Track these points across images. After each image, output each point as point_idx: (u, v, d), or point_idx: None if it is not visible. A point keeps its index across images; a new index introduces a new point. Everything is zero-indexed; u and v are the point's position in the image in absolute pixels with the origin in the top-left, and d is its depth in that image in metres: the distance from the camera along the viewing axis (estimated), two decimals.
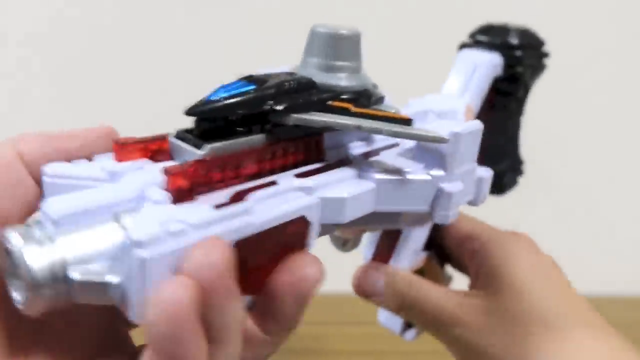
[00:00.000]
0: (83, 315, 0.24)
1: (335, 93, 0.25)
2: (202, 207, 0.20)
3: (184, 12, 0.64)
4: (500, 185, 0.44)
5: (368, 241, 0.40)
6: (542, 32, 0.41)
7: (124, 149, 0.22)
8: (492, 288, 0.32)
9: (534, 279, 0.31)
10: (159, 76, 0.64)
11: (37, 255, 0.18)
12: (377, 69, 0.30)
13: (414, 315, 0.33)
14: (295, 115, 0.24)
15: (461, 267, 0.39)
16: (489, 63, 0.38)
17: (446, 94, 0.38)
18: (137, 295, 0.18)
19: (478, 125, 0.27)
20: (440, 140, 0.24)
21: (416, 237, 0.38)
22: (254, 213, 0.21)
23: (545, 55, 0.41)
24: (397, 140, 0.29)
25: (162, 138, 0.23)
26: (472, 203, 0.29)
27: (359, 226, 0.27)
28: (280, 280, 0.21)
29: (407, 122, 0.25)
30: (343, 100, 0.25)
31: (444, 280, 0.43)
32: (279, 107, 0.23)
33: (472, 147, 0.27)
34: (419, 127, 0.25)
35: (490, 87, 0.40)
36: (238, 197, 0.21)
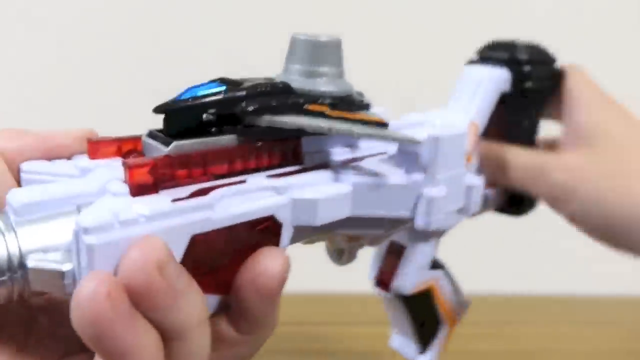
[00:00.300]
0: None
1: (313, 97, 0.25)
2: (160, 200, 0.20)
3: (183, 17, 0.65)
4: (519, 207, 0.42)
5: (373, 260, 0.39)
6: (546, 42, 0.40)
7: (97, 147, 0.23)
8: (589, 147, 0.36)
9: (631, 138, 0.37)
10: (152, 78, 0.64)
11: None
12: (382, 85, 0.30)
13: (509, 172, 0.37)
14: (268, 117, 0.24)
15: None
16: (495, 78, 0.38)
17: (450, 109, 0.38)
18: None
19: (460, 130, 0.26)
20: (412, 141, 0.23)
21: (421, 253, 0.37)
22: (215, 208, 0.20)
23: (557, 71, 0.40)
24: (384, 149, 0.28)
25: (137, 138, 0.24)
26: (464, 212, 0.28)
27: (342, 230, 0.26)
28: (241, 277, 0.21)
29: (381, 125, 0.24)
30: (319, 104, 0.25)
31: (460, 305, 0.42)
32: (250, 108, 0.23)
33: (456, 153, 0.26)
34: (393, 130, 0.24)
35: (501, 105, 0.39)
36: (200, 193, 0.21)
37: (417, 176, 0.25)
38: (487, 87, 0.37)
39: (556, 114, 0.40)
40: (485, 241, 0.64)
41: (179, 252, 0.20)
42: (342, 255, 0.33)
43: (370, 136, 0.23)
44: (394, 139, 0.23)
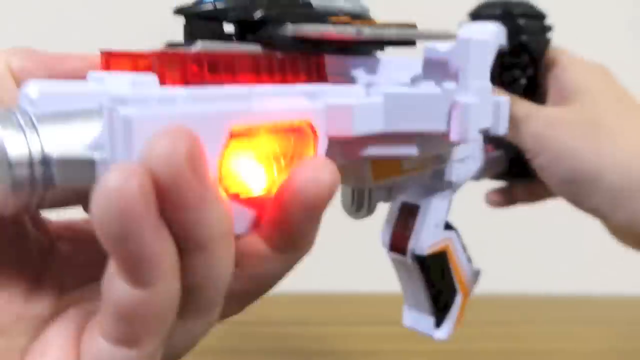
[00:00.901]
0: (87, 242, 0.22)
1: (335, 11, 0.24)
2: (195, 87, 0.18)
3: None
4: (527, 170, 0.41)
5: (384, 226, 0.37)
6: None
7: (111, 58, 0.21)
8: (567, 99, 0.38)
9: (607, 96, 0.38)
10: None
11: (12, 137, 0.16)
12: None
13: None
14: (292, 26, 0.22)
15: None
16: (491, 32, 0.38)
17: None
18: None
19: (488, 36, 0.25)
20: (447, 36, 0.22)
21: (436, 210, 0.35)
22: (253, 101, 0.19)
23: (549, 28, 0.40)
24: (402, 72, 0.27)
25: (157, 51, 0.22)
26: (493, 130, 0.27)
27: (374, 152, 0.24)
28: (285, 186, 0.19)
29: (411, 26, 0.23)
30: (341, 18, 0.24)
31: (472, 273, 0.40)
32: (275, 14, 0.22)
33: (484, 61, 0.25)
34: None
35: (497, 63, 0.39)
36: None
37: (449, 84, 0.24)
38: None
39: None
40: (486, 241, 0.64)
41: (216, 145, 0.18)
42: (361, 207, 0.32)
43: (401, 36, 0.22)
44: (427, 37, 0.22)
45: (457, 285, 0.39)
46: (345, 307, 0.58)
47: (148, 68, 0.21)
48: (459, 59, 0.24)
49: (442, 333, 0.39)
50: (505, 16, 0.39)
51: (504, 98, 0.27)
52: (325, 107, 0.21)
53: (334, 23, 0.23)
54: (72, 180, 0.16)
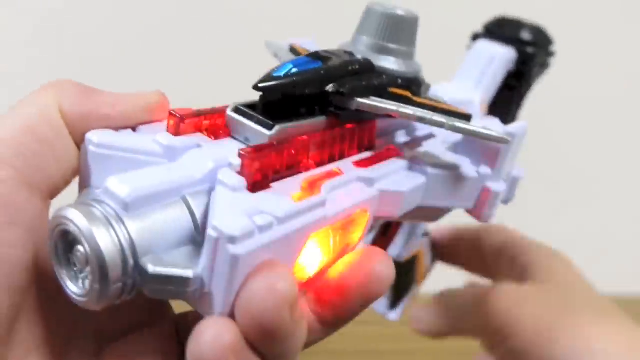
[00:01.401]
0: None
1: (392, 78, 0.24)
2: (282, 198, 0.18)
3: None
4: None
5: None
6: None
7: (182, 122, 0.20)
8: (531, 280, 0.34)
9: (572, 278, 0.34)
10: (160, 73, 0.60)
11: (106, 237, 0.15)
12: None
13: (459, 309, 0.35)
14: (360, 100, 0.22)
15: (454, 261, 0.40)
16: (506, 57, 0.38)
17: (461, 84, 0.38)
18: (221, 294, 0.16)
19: (526, 126, 0.26)
20: (503, 140, 0.23)
21: (419, 227, 0.38)
22: (327, 204, 0.19)
23: (552, 54, 0.41)
24: (434, 131, 0.28)
25: (217, 112, 0.21)
26: (505, 200, 0.29)
27: (400, 219, 0.26)
28: (349, 279, 0.20)
29: (467, 117, 0.24)
30: (400, 86, 0.24)
31: (431, 264, 0.44)
32: (345, 90, 0.22)
33: (518, 147, 0.27)
34: (477, 124, 0.24)
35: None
36: (311, 187, 0.19)
37: (485, 169, 0.25)
38: (498, 65, 0.38)
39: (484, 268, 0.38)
40: None
41: (296, 254, 0.19)
42: None
43: (459, 130, 0.23)
44: (484, 137, 0.23)
45: (417, 278, 0.43)
46: None
47: (216, 130, 0.21)
48: (503, 149, 0.25)
49: (395, 315, 0.44)
50: (516, 41, 0.39)
51: (520, 172, 0.29)
52: (378, 193, 0.22)
53: (395, 96, 0.23)
54: (162, 293, 0.16)
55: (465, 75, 0.38)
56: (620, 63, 0.70)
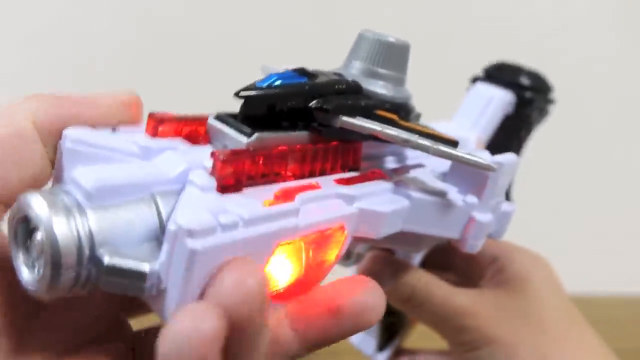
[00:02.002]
0: (82, 299, 0.21)
1: (380, 101, 0.24)
2: (252, 202, 0.18)
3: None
4: None
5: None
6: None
7: (161, 125, 0.20)
8: (509, 289, 0.33)
9: (550, 290, 0.34)
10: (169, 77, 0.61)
11: (64, 226, 0.15)
12: None
13: (420, 307, 0.32)
14: (344, 118, 0.22)
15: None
16: (502, 100, 0.38)
17: (458, 123, 0.38)
18: (176, 291, 0.16)
19: (514, 158, 0.26)
20: (489, 167, 0.23)
21: (413, 260, 0.37)
22: (299, 215, 0.19)
23: (552, 102, 0.41)
24: (423, 160, 0.28)
25: (199, 119, 0.21)
26: (492, 236, 0.29)
27: (381, 244, 0.25)
28: (341, 309, 0.20)
29: (453, 143, 0.24)
30: (387, 110, 0.24)
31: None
32: (329, 106, 0.22)
33: (507, 179, 0.26)
34: (464, 151, 0.24)
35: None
36: (285, 196, 0.19)
37: (472, 198, 0.25)
38: (496, 107, 0.38)
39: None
40: None
41: (262, 260, 0.18)
42: (350, 256, 0.33)
43: (444, 155, 0.22)
44: (470, 163, 0.23)
45: (410, 319, 0.42)
46: None
47: (195, 137, 0.21)
48: (490, 179, 0.25)
49: (383, 357, 0.42)
50: (515, 85, 0.39)
51: (511, 207, 0.29)
52: (358, 212, 0.21)
53: (381, 118, 0.23)
54: (117, 286, 0.16)
55: (463, 115, 0.38)
56: (620, 66, 0.70)
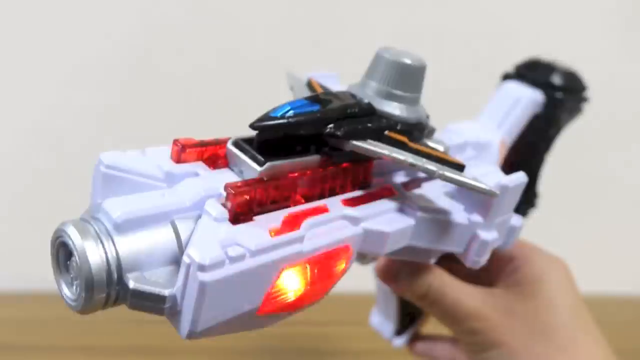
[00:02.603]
0: None
1: (392, 122, 0.25)
2: (259, 232, 0.20)
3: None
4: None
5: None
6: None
7: (184, 152, 0.22)
8: (521, 292, 0.34)
9: (562, 293, 0.34)
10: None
11: (94, 252, 0.18)
12: None
13: (433, 305, 0.34)
14: (354, 142, 0.24)
15: None
16: (531, 100, 0.38)
17: (483, 124, 0.38)
18: (190, 314, 0.18)
19: (523, 178, 0.27)
20: (491, 194, 0.24)
21: None
22: (305, 241, 0.21)
23: (585, 100, 0.41)
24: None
25: (219, 143, 0.23)
26: (501, 247, 0.30)
27: (390, 255, 0.27)
28: None
29: (459, 167, 0.25)
30: (399, 131, 0.25)
31: None
32: (340, 132, 0.23)
33: (514, 199, 0.27)
34: (469, 174, 0.25)
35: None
36: (292, 222, 0.21)
37: (477, 217, 0.26)
38: (524, 107, 0.38)
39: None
40: None
41: (268, 284, 0.20)
42: (366, 256, 0.34)
43: (448, 180, 0.24)
44: (473, 188, 0.24)
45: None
46: (345, 307, 0.57)
47: (215, 159, 0.23)
48: (494, 200, 0.26)
49: (401, 341, 0.44)
50: (546, 85, 0.39)
51: (519, 222, 0.30)
52: (363, 232, 0.23)
53: (391, 140, 0.25)
54: (141, 307, 0.19)
55: (489, 115, 0.39)
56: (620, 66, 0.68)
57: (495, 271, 0.37)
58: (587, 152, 0.71)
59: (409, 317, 0.44)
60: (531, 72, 0.40)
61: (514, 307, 0.34)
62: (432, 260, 0.31)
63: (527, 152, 0.42)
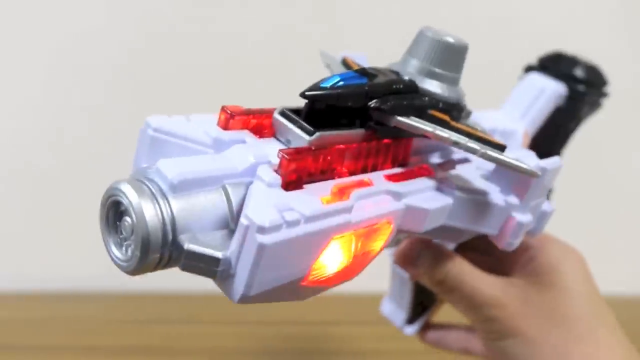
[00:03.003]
0: None
1: (434, 101, 0.25)
2: (312, 199, 0.20)
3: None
4: None
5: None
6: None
7: (232, 119, 0.22)
8: (538, 282, 0.34)
9: (579, 284, 0.34)
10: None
11: (151, 212, 0.17)
12: None
13: (451, 292, 0.34)
14: (399, 118, 0.23)
15: None
16: (555, 92, 0.39)
17: (507, 113, 0.38)
18: (244, 277, 0.18)
19: (559, 162, 0.27)
20: (533, 174, 0.24)
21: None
22: (352, 211, 0.21)
23: (606, 95, 0.41)
24: (469, 156, 0.29)
25: (265, 113, 0.23)
26: (532, 232, 0.30)
27: (423, 235, 0.27)
28: None
29: (501, 147, 0.25)
30: (440, 110, 0.25)
31: None
32: (385, 107, 0.23)
33: (549, 182, 0.27)
34: (511, 155, 0.25)
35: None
36: (341, 193, 0.21)
37: (513, 199, 0.26)
38: (547, 99, 0.38)
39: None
40: None
41: (318, 252, 0.20)
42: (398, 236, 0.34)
43: (491, 159, 0.24)
44: (515, 168, 0.24)
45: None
46: (345, 307, 0.57)
47: (261, 129, 0.23)
48: (533, 182, 0.26)
49: (412, 329, 0.44)
50: (568, 77, 0.39)
51: (550, 208, 0.30)
52: (405, 208, 0.23)
53: (434, 118, 0.25)
54: (194, 269, 0.18)
55: (513, 105, 0.39)
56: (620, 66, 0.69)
57: (511, 261, 0.37)
58: (587, 151, 0.71)
59: (421, 307, 0.45)
60: (555, 64, 0.40)
61: (532, 296, 0.34)
62: (461, 241, 0.31)
63: (547, 145, 0.43)
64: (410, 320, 0.45)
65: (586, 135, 0.68)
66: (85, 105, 0.62)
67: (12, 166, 0.63)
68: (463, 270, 0.34)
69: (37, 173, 0.63)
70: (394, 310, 0.46)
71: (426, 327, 0.45)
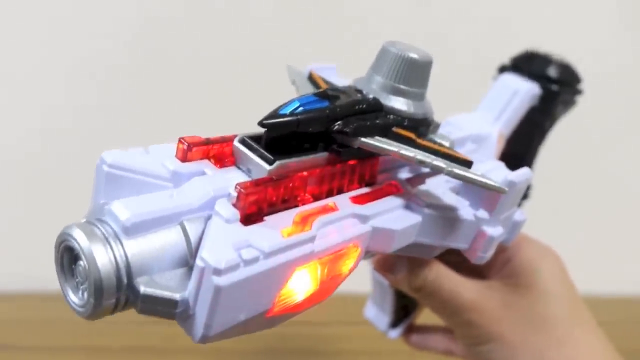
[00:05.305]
0: None
1: (399, 119, 0.25)
2: (272, 233, 0.19)
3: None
4: None
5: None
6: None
7: (190, 151, 0.21)
8: (516, 283, 0.34)
9: (556, 284, 0.34)
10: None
11: (103, 256, 0.17)
12: None
13: (430, 298, 0.34)
14: (362, 139, 0.23)
15: None
16: (528, 93, 0.38)
17: (481, 116, 0.38)
18: (203, 318, 0.18)
19: (529, 174, 0.27)
20: (500, 190, 0.24)
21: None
22: (316, 240, 0.20)
23: (580, 92, 0.41)
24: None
25: (228, 141, 0.22)
26: (504, 242, 0.30)
27: (396, 252, 0.27)
28: None
29: (467, 164, 0.24)
30: (406, 127, 0.25)
31: None
32: (348, 129, 0.23)
33: (519, 194, 0.27)
34: (477, 170, 0.24)
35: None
36: (303, 222, 0.21)
37: (483, 213, 0.26)
38: (521, 100, 0.38)
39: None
40: None
41: (280, 284, 0.20)
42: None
43: (457, 177, 0.23)
44: (482, 185, 0.23)
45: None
46: (345, 307, 0.56)
47: (222, 158, 0.22)
48: (501, 196, 0.25)
49: (395, 333, 0.45)
50: (542, 77, 0.39)
51: (522, 217, 0.30)
52: (372, 230, 0.23)
53: (398, 136, 0.24)
54: (152, 312, 0.18)
55: (487, 107, 0.39)
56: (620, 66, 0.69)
57: (488, 263, 0.37)
58: (586, 151, 0.72)
59: (403, 311, 0.45)
60: (527, 64, 0.40)
61: (510, 299, 0.34)
62: (433, 256, 0.31)
63: (523, 144, 0.43)
64: (394, 324, 0.45)
65: (586, 135, 0.69)
66: (85, 106, 0.61)
67: (12, 166, 0.63)
68: (441, 274, 0.34)
69: (37, 173, 0.63)
70: (377, 315, 0.46)
71: (410, 330, 0.45)
